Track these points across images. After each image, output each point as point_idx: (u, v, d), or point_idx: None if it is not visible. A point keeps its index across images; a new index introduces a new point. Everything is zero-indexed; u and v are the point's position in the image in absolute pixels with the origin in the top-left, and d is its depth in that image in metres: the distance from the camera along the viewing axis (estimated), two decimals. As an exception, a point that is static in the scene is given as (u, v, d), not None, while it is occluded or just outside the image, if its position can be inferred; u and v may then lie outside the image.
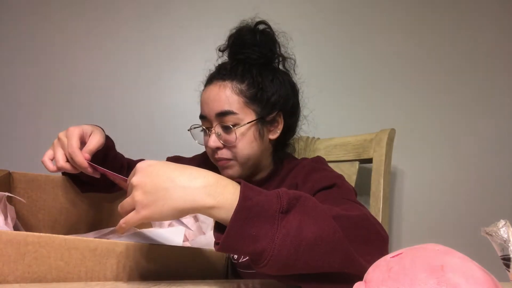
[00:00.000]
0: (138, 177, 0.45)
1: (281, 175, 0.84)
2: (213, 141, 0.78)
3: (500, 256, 0.41)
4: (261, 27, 0.83)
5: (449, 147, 1.29)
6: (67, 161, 0.67)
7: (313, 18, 1.28)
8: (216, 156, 0.80)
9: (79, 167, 0.67)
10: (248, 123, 0.77)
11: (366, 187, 1.00)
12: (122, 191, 0.85)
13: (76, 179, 0.79)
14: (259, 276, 0.54)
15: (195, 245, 0.71)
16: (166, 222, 0.80)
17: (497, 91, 1.30)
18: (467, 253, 0.33)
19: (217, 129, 0.78)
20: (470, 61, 1.30)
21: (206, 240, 0.72)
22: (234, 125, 0.76)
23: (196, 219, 0.80)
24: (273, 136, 0.83)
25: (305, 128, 0.97)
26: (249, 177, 0.83)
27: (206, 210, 0.44)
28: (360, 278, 0.37)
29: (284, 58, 0.87)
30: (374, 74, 1.29)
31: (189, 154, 0.99)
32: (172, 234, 0.74)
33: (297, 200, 0.44)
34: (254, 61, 0.81)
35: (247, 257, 0.45)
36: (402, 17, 1.30)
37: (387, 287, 0.31)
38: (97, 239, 0.50)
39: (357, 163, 1.02)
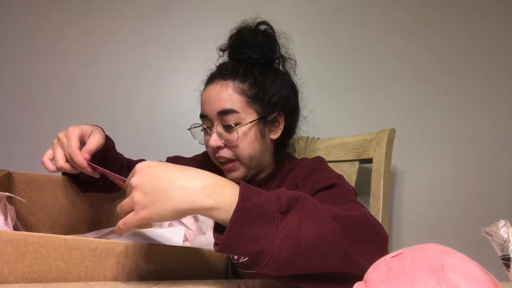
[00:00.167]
0: (138, 178, 0.45)
1: (281, 175, 0.84)
2: (214, 141, 0.77)
3: (500, 256, 0.41)
4: (262, 27, 0.83)
5: (449, 147, 1.29)
6: (67, 161, 0.67)
7: (313, 18, 1.28)
8: (217, 155, 0.79)
9: (78, 167, 0.66)
10: (250, 122, 0.77)
11: (366, 187, 1.00)
12: (121, 191, 0.85)
13: (76, 179, 0.79)
14: (259, 276, 0.54)
15: (195, 245, 0.71)
16: (166, 222, 0.80)
17: (497, 91, 1.30)
18: (467, 253, 0.33)
19: (218, 128, 0.78)
20: (470, 61, 1.30)
21: (206, 240, 0.72)
22: (235, 124, 0.76)
23: (196, 219, 0.80)
24: (274, 136, 0.83)
25: (305, 128, 0.98)
26: (252, 177, 0.83)
27: (205, 211, 0.44)
28: (360, 278, 0.37)
29: (285, 59, 0.87)
30: (374, 74, 1.29)
31: (189, 154, 0.99)
32: (172, 234, 0.74)
33: (296, 201, 0.44)
34: (255, 61, 0.81)
35: (247, 258, 0.45)
36: (402, 17, 1.30)
37: (387, 287, 0.31)
38: (97, 239, 0.50)
39: (357, 163, 1.02)
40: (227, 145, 0.78)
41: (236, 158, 0.79)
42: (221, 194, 0.44)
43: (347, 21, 1.29)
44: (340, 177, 0.74)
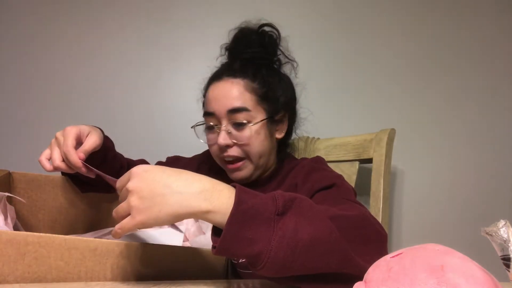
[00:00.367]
0: (134, 182, 0.45)
1: (281, 174, 0.84)
2: (223, 139, 0.76)
3: (500, 256, 0.41)
4: (266, 29, 0.83)
5: (449, 147, 1.29)
6: (63, 160, 0.67)
7: (313, 18, 1.28)
8: (226, 154, 0.78)
9: (73, 166, 0.66)
10: (261, 121, 0.77)
11: (366, 187, 1.00)
12: (122, 191, 0.84)
13: (75, 179, 0.79)
14: (259, 276, 0.54)
15: (195, 245, 0.71)
16: (166, 222, 0.80)
17: (497, 91, 1.30)
18: (467, 253, 0.33)
19: (227, 126, 0.77)
20: (470, 61, 1.30)
21: (206, 240, 0.72)
22: (247, 122, 0.76)
23: (196, 219, 0.80)
24: (279, 135, 0.84)
25: (305, 128, 0.98)
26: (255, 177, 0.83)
27: (202, 215, 0.44)
28: (359, 278, 0.37)
29: (289, 61, 0.87)
30: (374, 74, 1.29)
31: (189, 154, 0.99)
32: (172, 234, 0.74)
33: (293, 202, 0.44)
34: (259, 60, 0.81)
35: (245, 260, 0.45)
36: (402, 17, 1.30)
37: (387, 287, 0.31)
38: (97, 239, 0.50)
39: (357, 163, 1.02)
40: (237, 143, 0.77)
41: (246, 157, 0.78)
42: (218, 197, 0.44)
43: (347, 22, 1.29)
44: (340, 177, 0.74)
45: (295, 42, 0.88)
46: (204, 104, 0.84)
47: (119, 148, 0.85)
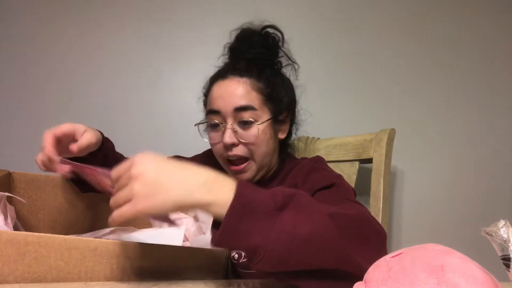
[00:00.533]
0: (138, 169, 0.44)
1: (281, 174, 0.84)
2: (229, 137, 0.75)
3: (500, 256, 0.41)
4: (270, 30, 0.83)
5: (449, 147, 1.29)
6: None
7: (313, 19, 1.28)
8: (230, 153, 0.77)
9: (49, 161, 0.65)
10: (267, 120, 0.77)
11: (366, 187, 1.00)
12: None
13: (75, 179, 0.79)
14: (259, 276, 0.54)
15: (195, 245, 0.71)
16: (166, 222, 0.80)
17: (497, 91, 1.30)
18: (467, 253, 0.33)
19: (233, 124, 0.77)
20: (470, 61, 1.30)
21: (206, 240, 0.72)
22: (254, 121, 0.76)
23: (196, 219, 0.80)
24: (282, 136, 0.84)
25: (305, 128, 0.98)
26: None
27: (204, 206, 0.44)
28: (358, 276, 0.37)
29: (291, 62, 0.88)
30: (374, 74, 1.29)
31: (188, 154, 0.99)
32: (172, 234, 0.74)
33: (292, 198, 0.45)
34: (263, 61, 0.81)
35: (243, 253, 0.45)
36: (402, 17, 1.30)
37: (387, 287, 0.31)
38: (97, 239, 0.50)
39: (357, 163, 1.02)
40: (243, 142, 0.76)
41: (250, 157, 0.78)
42: (220, 190, 0.44)
43: (347, 22, 1.29)
44: (340, 177, 0.74)
45: (295, 42, 0.88)
46: (206, 103, 0.84)
47: (119, 148, 0.85)
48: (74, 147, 0.66)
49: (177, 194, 0.43)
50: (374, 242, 0.50)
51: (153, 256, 0.52)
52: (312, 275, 0.44)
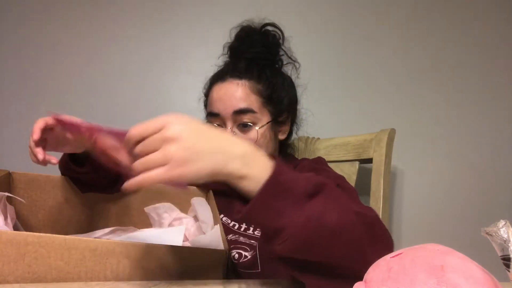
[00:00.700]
0: (175, 130, 0.41)
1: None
2: None
3: (500, 256, 0.41)
4: (269, 28, 0.83)
5: (449, 147, 1.29)
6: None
7: (313, 19, 1.28)
8: None
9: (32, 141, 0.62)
10: (267, 123, 0.77)
11: (366, 187, 1.00)
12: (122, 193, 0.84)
13: (76, 179, 0.79)
14: (259, 276, 0.54)
15: (195, 245, 0.71)
16: (166, 222, 0.80)
17: (497, 91, 1.30)
18: (467, 253, 0.33)
19: (233, 128, 0.77)
20: (470, 61, 1.30)
21: (206, 240, 0.72)
22: (253, 125, 0.76)
23: (196, 219, 0.80)
24: (282, 137, 0.84)
25: (305, 128, 0.98)
26: None
27: (236, 179, 0.43)
28: (359, 277, 0.37)
29: (292, 61, 0.87)
30: (375, 74, 1.28)
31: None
32: (172, 234, 0.74)
33: (323, 186, 0.44)
34: (262, 61, 0.81)
35: (264, 233, 0.43)
36: (402, 17, 1.30)
37: (387, 287, 0.31)
38: (97, 239, 0.50)
39: (357, 163, 1.02)
40: None
41: None
42: (257, 165, 0.43)
43: (347, 22, 1.29)
44: (342, 177, 0.74)
45: (295, 42, 0.88)
46: (206, 104, 0.84)
47: (119, 148, 0.85)
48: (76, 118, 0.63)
49: (214, 163, 0.41)
50: (385, 245, 0.50)
51: (153, 256, 0.52)
52: (318, 271, 0.44)
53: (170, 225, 0.80)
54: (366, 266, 0.43)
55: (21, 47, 1.19)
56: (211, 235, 0.68)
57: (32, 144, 0.62)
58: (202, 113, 0.88)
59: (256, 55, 0.81)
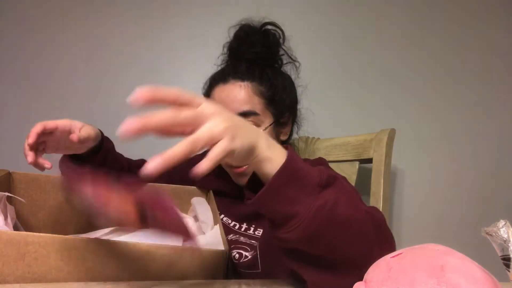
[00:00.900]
0: (211, 107, 0.40)
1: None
2: None
3: (500, 256, 0.41)
4: (270, 27, 0.83)
5: (449, 147, 1.29)
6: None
7: (313, 18, 1.28)
8: None
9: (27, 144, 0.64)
10: (269, 125, 0.77)
11: (366, 187, 1.00)
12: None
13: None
14: (259, 276, 0.54)
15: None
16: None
17: (497, 91, 1.30)
18: (467, 253, 0.33)
19: None
20: (470, 61, 1.30)
21: (206, 240, 0.72)
22: (256, 127, 0.76)
23: (196, 219, 0.80)
24: (284, 137, 0.84)
25: (305, 128, 0.98)
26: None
27: (261, 160, 0.41)
28: (360, 277, 0.37)
29: (292, 61, 0.87)
30: (374, 74, 1.28)
31: (189, 154, 0.99)
32: (172, 234, 0.74)
33: (335, 179, 0.44)
34: (264, 61, 0.81)
35: (274, 219, 0.43)
36: (402, 17, 1.30)
37: (387, 287, 0.31)
38: (97, 239, 0.50)
39: (357, 163, 1.02)
40: None
41: None
42: (275, 149, 0.43)
43: (347, 22, 1.29)
44: (344, 178, 0.74)
45: (295, 42, 0.88)
46: None
47: (119, 148, 0.85)
48: (74, 136, 0.65)
49: (253, 137, 0.41)
50: (390, 247, 0.50)
51: (153, 256, 0.52)
52: (321, 266, 0.44)
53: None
54: (370, 265, 0.43)
55: (20, 47, 1.19)
56: (211, 235, 0.68)
57: (26, 147, 0.64)
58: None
59: (257, 56, 0.80)
